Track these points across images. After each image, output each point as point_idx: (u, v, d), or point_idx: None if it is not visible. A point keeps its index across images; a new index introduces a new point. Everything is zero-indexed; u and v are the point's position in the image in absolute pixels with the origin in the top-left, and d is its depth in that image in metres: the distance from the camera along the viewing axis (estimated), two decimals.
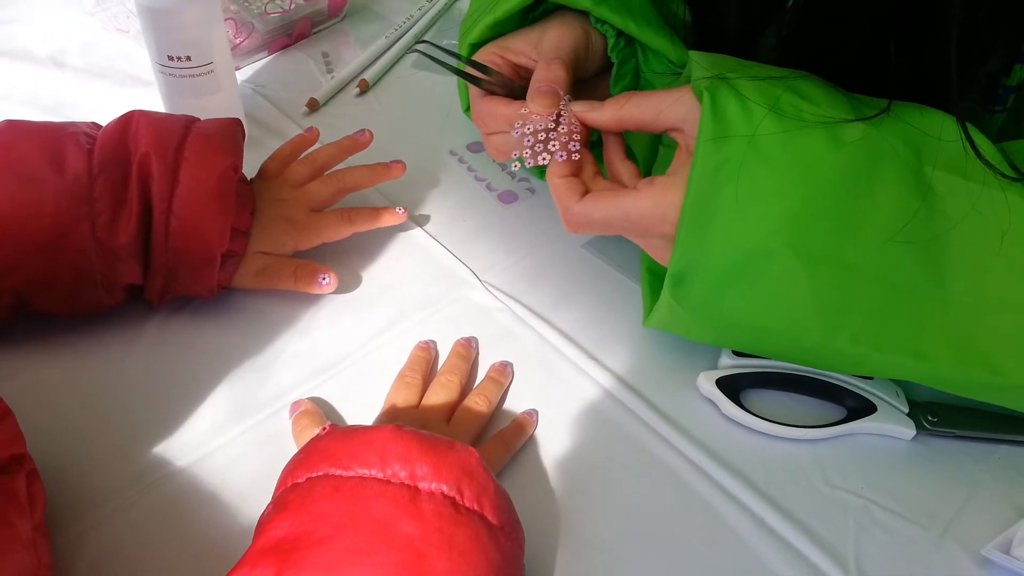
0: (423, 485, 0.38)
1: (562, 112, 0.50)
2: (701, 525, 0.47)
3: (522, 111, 0.51)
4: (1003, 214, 0.42)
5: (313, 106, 0.75)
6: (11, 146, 0.51)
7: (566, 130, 0.49)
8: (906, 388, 0.52)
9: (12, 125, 0.53)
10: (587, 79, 0.57)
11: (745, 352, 0.53)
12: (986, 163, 0.42)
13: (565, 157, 0.48)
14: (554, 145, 0.49)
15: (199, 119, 0.56)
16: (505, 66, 0.56)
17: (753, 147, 0.42)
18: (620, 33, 0.55)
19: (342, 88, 0.79)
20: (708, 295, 0.45)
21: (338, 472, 0.39)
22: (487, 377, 0.53)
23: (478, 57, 0.57)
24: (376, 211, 0.61)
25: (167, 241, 0.52)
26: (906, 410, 0.51)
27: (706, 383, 0.52)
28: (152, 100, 0.68)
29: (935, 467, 0.50)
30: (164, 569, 0.44)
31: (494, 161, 0.69)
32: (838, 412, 0.52)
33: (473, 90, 0.57)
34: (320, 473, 0.39)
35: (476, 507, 0.39)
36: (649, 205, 0.45)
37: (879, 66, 0.46)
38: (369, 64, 0.81)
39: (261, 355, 0.55)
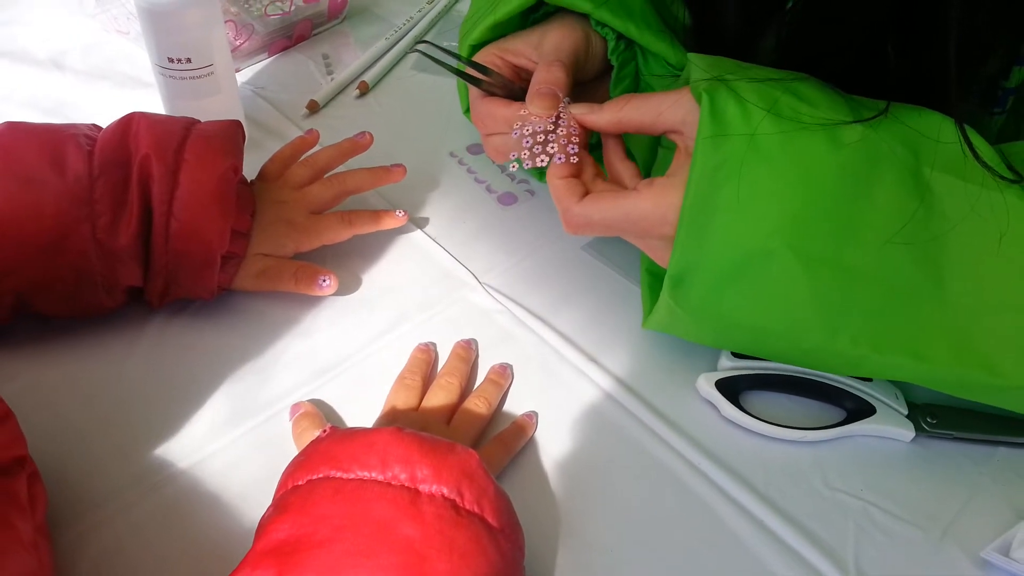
0: (424, 487, 0.38)
1: (561, 114, 0.50)
2: (701, 527, 0.47)
3: (521, 112, 0.51)
4: (1001, 216, 0.42)
5: (313, 108, 0.75)
6: (11, 148, 0.51)
7: (565, 132, 0.49)
8: (905, 390, 0.52)
9: (12, 127, 0.53)
10: (587, 82, 0.57)
11: (745, 354, 0.53)
12: (984, 165, 0.42)
13: (563, 159, 0.48)
14: (552, 147, 0.49)
15: (199, 121, 0.56)
16: (505, 67, 0.56)
17: (752, 148, 0.42)
18: (620, 36, 0.55)
19: (342, 90, 0.79)
20: (707, 296, 0.45)
21: (339, 474, 0.39)
22: (487, 379, 0.53)
23: (478, 58, 0.57)
24: (376, 214, 0.61)
25: (167, 243, 0.52)
26: (905, 412, 0.51)
27: (706, 385, 0.52)
28: (152, 102, 0.68)
29: (934, 469, 0.50)
30: (165, 570, 0.44)
31: (493, 162, 0.69)
32: (837, 414, 0.52)
33: (473, 91, 0.57)
34: (321, 475, 0.39)
35: (476, 509, 0.39)
36: (649, 206, 0.45)
37: (878, 68, 0.47)
38: (369, 66, 0.81)
39: (261, 357, 0.55)
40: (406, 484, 0.38)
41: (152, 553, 0.45)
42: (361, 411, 0.52)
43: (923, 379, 0.47)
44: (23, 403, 0.44)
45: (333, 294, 0.58)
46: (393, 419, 0.50)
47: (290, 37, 0.83)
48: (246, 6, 0.78)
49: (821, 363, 0.50)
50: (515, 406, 0.53)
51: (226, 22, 0.73)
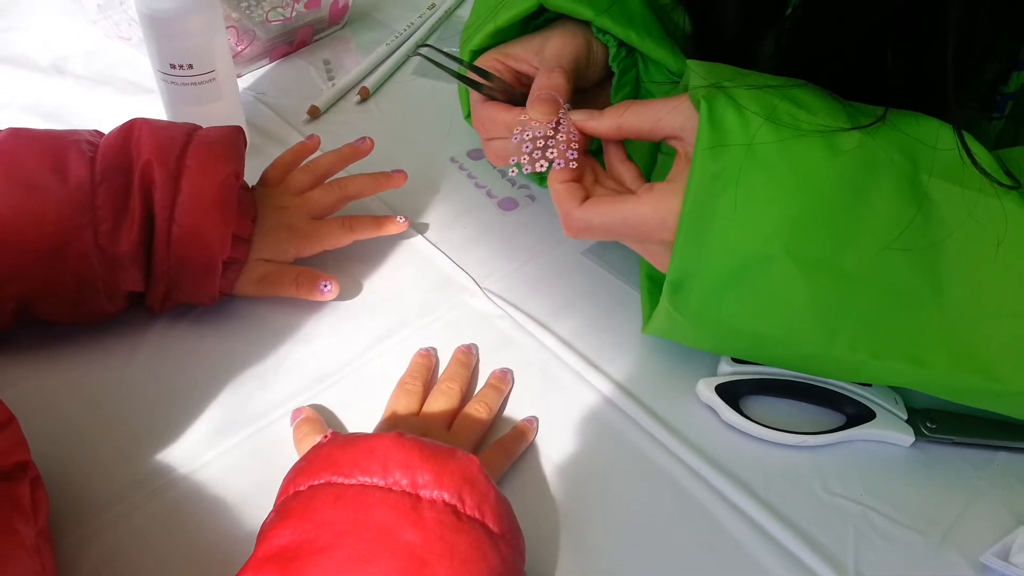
0: (424, 493, 0.38)
1: (561, 120, 0.50)
2: (701, 532, 0.47)
3: (522, 117, 0.51)
4: (999, 222, 0.42)
5: (314, 113, 0.76)
6: (13, 154, 0.52)
7: (565, 138, 0.49)
8: (904, 395, 0.52)
9: (14, 133, 0.53)
10: (588, 88, 0.57)
11: (744, 359, 0.53)
12: (982, 171, 0.42)
13: (563, 165, 0.48)
14: (552, 152, 0.49)
15: (201, 127, 0.57)
16: (506, 72, 0.56)
17: (751, 155, 0.42)
18: (621, 43, 0.55)
19: (343, 95, 0.79)
20: (706, 301, 0.45)
21: (340, 480, 0.39)
22: (487, 384, 0.54)
23: (479, 63, 0.57)
24: (377, 219, 0.61)
25: (169, 248, 0.52)
26: (905, 417, 0.51)
27: (705, 390, 0.52)
28: (154, 108, 0.68)
29: (934, 474, 0.50)
30: (166, 575, 0.44)
31: (494, 167, 0.69)
32: (837, 419, 0.52)
33: (473, 95, 0.57)
34: (322, 481, 0.39)
35: (477, 515, 0.39)
36: (649, 211, 0.46)
37: (877, 73, 0.47)
38: (370, 71, 0.82)
39: (262, 362, 0.55)
40: (407, 490, 0.38)
41: (154, 557, 0.45)
42: (362, 416, 0.52)
43: (922, 385, 0.47)
44: (25, 408, 0.44)
45: (334, 299, 0.58)
46: (394, 424, 0.50)
47: (291, 43, 0.84)
48: (247, 12, 0.78)
49: (820, 369, 0.50)
50: (515, 411, 0.53)
51: (228, 28, 0.73)
